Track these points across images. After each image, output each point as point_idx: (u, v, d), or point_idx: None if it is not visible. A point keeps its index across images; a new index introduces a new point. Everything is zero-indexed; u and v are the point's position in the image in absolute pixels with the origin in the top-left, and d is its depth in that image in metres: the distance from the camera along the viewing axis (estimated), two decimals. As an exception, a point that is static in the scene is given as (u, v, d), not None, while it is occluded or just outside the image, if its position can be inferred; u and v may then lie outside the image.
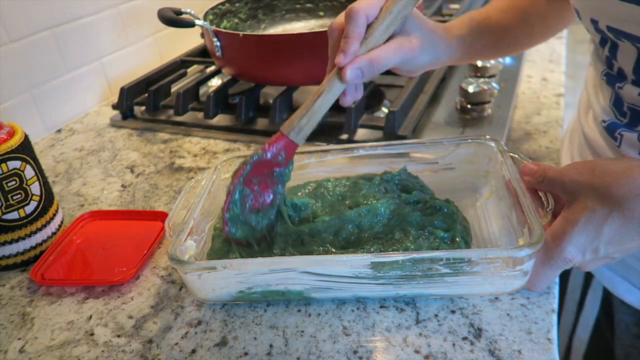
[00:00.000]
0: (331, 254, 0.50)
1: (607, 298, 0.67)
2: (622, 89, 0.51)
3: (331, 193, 0.58)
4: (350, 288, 0.48)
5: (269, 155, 0.50)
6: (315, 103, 0.48)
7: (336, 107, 0.79)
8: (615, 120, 0.54)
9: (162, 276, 0.56)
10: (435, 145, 0.60)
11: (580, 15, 0.52)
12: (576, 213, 0.42)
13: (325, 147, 0.65)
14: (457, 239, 0.49)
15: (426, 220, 0.52)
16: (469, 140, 0.59)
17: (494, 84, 0.81)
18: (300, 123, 0.49)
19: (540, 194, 0.49)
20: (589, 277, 0.70)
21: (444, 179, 0.60)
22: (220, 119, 0.85)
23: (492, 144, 0.57)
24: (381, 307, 0.50)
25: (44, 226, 0.59)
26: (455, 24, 0.59)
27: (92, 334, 0.50)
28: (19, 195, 0.56)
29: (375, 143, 0.62)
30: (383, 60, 0.48)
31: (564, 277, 0.73)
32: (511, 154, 0.55)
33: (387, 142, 0.62)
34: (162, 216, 0.64)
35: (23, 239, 0.58)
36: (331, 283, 0.48)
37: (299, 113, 0.49)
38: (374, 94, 0.86)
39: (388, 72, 0.85)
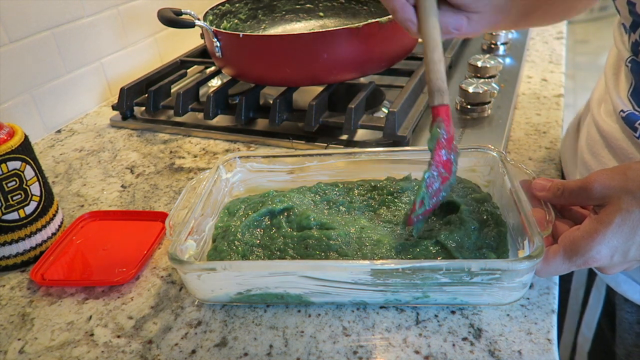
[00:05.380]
0: (332, 259, 0.50)
1: (610, 297, 0.67)
2: None
3: (341, 202, 0.58)
4: (349, 293, 0.48)
5: (445, 134, 0.49)
6: (427, 56, 0.48)
7: (335, 107, 0.80)
8: (633, 111, 0.53)
9: (162, 277, 0.56)
10: None
11: None
12: (610, 214, 0.42)
13: (327, 150, 0.65)
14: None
15: (482, 238, 0.50)
16: (472, 149, 0.59)
17: (493, 85, 0.81)
18: (437, 85, 0.48)
19: (543, 206, 0.49)
20: (592, 275, 0.70)
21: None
22: (220, 120, 0.86)
23: (495, 154, 0.57)
24: (381, 307, 0.50)
25: (44, 227, 0.59)
26: None
27: (92, 335, 0.50)
28: (19, 196, 0.56)
29: (377, 149, 0.62)
30: None
31: (568, 275, 0.73)
32: (513, 165, 0.55)
33: (390, 149, 0.62)
34: (162, 217, 0.64)
35: (23, 239, 0.58)
36: (330, 288, 0.48)
37: (428, 77, 0.49)
38: (374, 94, 0.86)
39: (388, 72, 0.87)
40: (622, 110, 0.54)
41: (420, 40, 0.52)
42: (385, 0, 0.50)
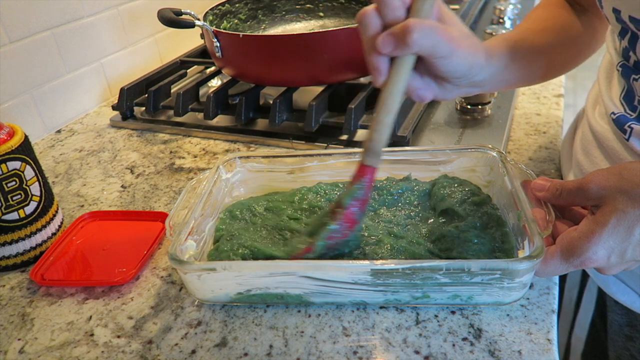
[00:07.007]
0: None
1: (602, 298, 0.67)
2: (637, 81, 0.51)
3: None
4: (349, 294, 0.48)
5: (364, 196, 0.48)
6: (380, 116, 0.45)
7: (335, 107, 0.80)
8: (624, 114, 0.54)
9: (162, 277, 0.56)
10: (437, 152, 0.60)
11: (602, 4, 0.52)
12: (606, 215, 0.42)
13: (327, 150, 0.65)
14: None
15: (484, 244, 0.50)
16: (472, 149, 0.59)
17: (493, 85, 0.81)
18: (377, 148, 0.46)
19: (543, 206, 0.49)
20: (584, 276, 0.70)
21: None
22: (220, 120, 0.86)
23: (494, 154, 0.57)
24: (381, 307, 0.50)
25: (44, 227, 0.59)
26: (491, 43, 0.54)
27: (92, 335, 0.50)
28: (19, 196, 0.56)
29: None
30: (418, 28, 0.41)
31: (562, 275, 0.73)
32: (513, 165, 0.55)
33: (390, 149, 0.62)
34: (162, 217, 0.64)
35: (23, 239, 0.58)
36: (330, 288, 0.48)
37: (371, 136, 0.46)
38: (374, 94, 0.86)
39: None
40: (613, 113, 0.55)
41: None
42: (362, 36, 0.45)
